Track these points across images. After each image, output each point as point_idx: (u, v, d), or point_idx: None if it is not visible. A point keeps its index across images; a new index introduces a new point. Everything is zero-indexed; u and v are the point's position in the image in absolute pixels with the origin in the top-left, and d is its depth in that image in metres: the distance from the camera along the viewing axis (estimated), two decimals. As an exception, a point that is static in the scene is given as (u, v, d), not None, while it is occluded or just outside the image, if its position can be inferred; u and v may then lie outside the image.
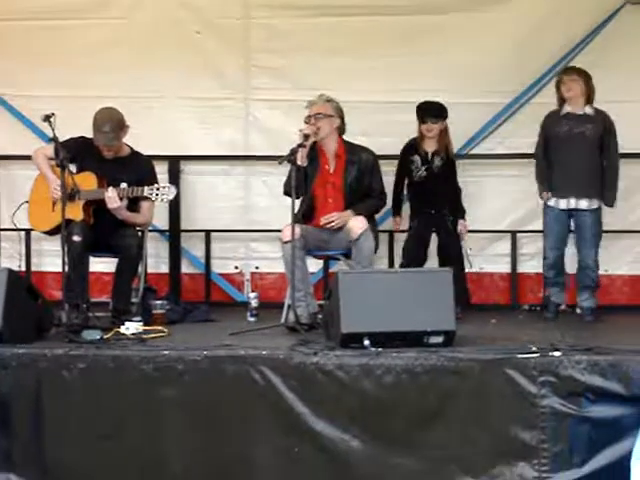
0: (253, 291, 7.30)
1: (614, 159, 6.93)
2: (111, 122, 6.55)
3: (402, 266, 7.17)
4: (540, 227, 7.26)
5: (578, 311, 7.04)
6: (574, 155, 6.89)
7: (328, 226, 6.63)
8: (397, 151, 7.39)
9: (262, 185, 7.90)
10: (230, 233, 7.93)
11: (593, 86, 6.88)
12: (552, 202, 6.98)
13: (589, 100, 6.90)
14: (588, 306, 6.97)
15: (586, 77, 6.86)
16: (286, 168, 6.57)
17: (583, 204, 6.90)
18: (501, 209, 7.70)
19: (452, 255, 7.11)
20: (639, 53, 7.37)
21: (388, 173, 7.14)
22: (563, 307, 7.12)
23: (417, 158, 7.20)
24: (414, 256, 7.13)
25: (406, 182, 7.28)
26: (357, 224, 6.52)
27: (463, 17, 7.58)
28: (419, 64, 7.57)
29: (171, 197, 6.52)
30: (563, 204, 6.94)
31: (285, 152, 6.49)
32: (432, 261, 7.20)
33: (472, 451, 5.32)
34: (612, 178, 6.91)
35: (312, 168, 6.67)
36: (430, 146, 7.21)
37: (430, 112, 7.15)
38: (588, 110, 6.91)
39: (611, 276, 7.50)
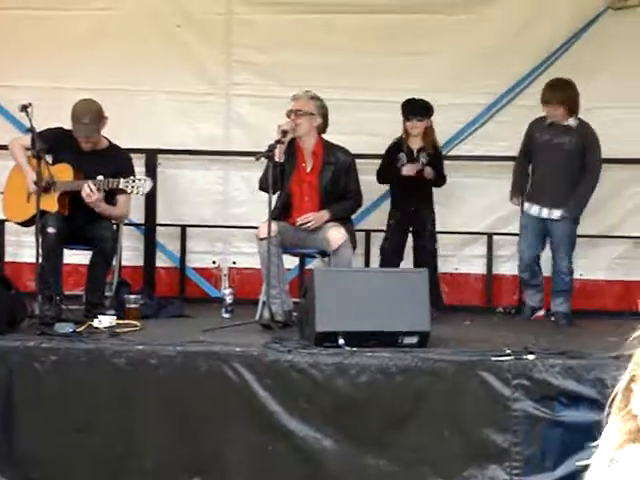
0: (229, 287, 7.27)
1: (589, 174, 6.90)
2: (90, 114, 6.51)
3: (381, 264, 7.17)
4: (516, 230, 7.26)
5: (552, 318, 7.03)
6: (551, 165, 6.91)
7: (304, 227, 6.60)
8: (380, 150, 7.37)
9: (241, 180, 7.87)
10: (207, 228, 7.89)
11: (576, 99, 6.85)
12: (526, 206, 7.01)
13: (573, 111, 6.86)
14: (562, 311, 6.97)
15: (568, 100, 6.78)
16: (265, 164, 6.54)
17: (556, 214, 6.90)
18: (478, 211, 7.69)
19: (425, 257, 7.10)
20: (619, 58, 7.38)
21: (368, 172, 7.12)
22: (541, 313, 7.11)
23: (402, 155, 7.20)
24: (392, 255, 7.13)
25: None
26: (336, 235, 6.48)
27: (447, 17, 7.58)
28: (402, 63, 7.55)
29: (147, 190, 6.48)
30: (535, 210, 6.95)
31: (264, 147, 6.47)
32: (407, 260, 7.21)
33: (445, 453, 5.33)
34: (579, 189, 6.89)
35: (289, 165, 6.64)
36: (415, 143, 7.21)
37: (414, 110, 7.14)
38: (572, 122, 6.89)
39: (586, 281, 7.50)
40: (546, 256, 7.12)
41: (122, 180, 6.42)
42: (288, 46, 7.67)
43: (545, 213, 6.92)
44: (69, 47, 7.73)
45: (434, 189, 7.27)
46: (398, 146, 7.23)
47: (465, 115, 7.64)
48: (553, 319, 7.00)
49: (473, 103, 7.62)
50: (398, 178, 7.16)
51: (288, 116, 6.64)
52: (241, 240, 7.85)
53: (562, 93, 6.78)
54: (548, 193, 6.89)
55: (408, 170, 7.10)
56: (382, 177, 7.27)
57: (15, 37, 7.76)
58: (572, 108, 6.82)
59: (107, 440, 5.47)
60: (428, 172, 7.09)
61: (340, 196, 6.73)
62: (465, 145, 7.69)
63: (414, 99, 7.18)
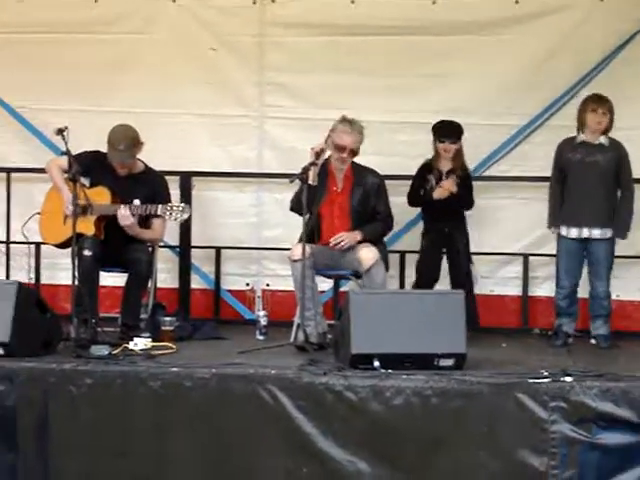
0: (263, 309, 7.27)
1: (628, 190, 6.89)
2: (126, 140, 6.56)
3: (415, 285, 7.16)
4: (552, 251, 7.22)
5: (592, 341, 6.96)
6: (587, 184, 6.85)
7: (337, 247, 6.60)
8: (409, 171, 7.37)
9: (274, 202, 7.87)
10: (241, 250, 7.90)
11: (614, 117, 6.85)
12: (564, 231, 6.93)
13: (606, 130, 6.86)
14: (602, 333, 6.90)
15: (613, 110, 6.81)
16: (298, 186, 6.55)
17: (596, 233, 6.85)
18: (514, 232, 7.64)
19: (461, 276, 7.09)
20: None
21: (399, 193, 7.12)
22: (571, 339, 7.05)
23: (431, 178, 7.19)
24: (427, 276, 7.12)
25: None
26: (368, 255, 6.49)
27: (478, 39, 7.56)
28: (434, 85, 7.56)
29: (185, 217, 6.51)
30: (574, 233, 6.89)
31: (298, 170, 6.48)
32: (442, 281, 7.18)
33: (481, 476, 5.30)
34: (623, 210, 6.87)
35: (320, 187, 6.65)
36: (445, 165, 7.20)
37: (448, 132, 7.14)
38: (603, 140, 6.87)
39: (623, 302, 7.42)
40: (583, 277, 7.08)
41: (160, 206, 6.46)
42: (320, 68, 7.69)
43: (585, 233, 6.85)
44: (104, 70, 7.79)
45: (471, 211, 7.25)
46: (427, 168, 7.23)
47: (498, 136, 7.62)
48: (594, 342, 6.93)
49: (507, 124, 7.60)
50: (429, 201, 7.17)
51: (341, 150, 6.64)
52: (275, 262, 7.85)
53: (609, 102, 6.81)
54: (586, 212, 6.83)
55: (439, 194, 7.09)
56: (412, 201, 7.27)
57: (50, 61, 7.82)
58: (610, 124, 6.81)
59: (141, 464, 5.48)
60: (450, 185, 7.07)
61: (370, 218, 6.74)
62: (499, 166, 7.66)
63: (447, 121, 7.17)
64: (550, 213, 7.02)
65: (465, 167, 7.26)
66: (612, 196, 6.89)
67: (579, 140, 6.91)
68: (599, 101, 6.83)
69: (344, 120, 6.71)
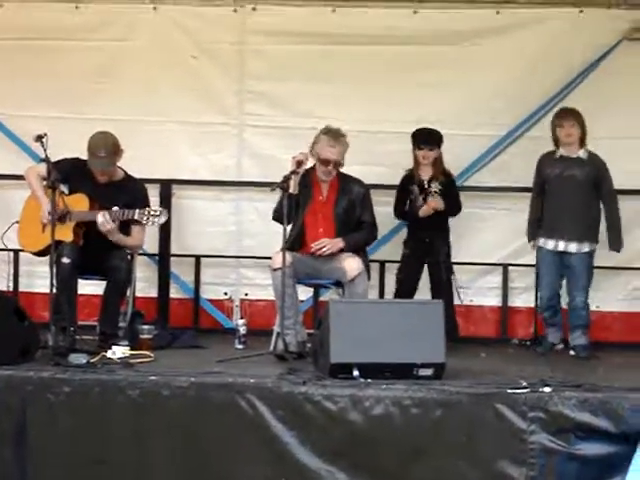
0: (242, 318, 7.26)
1: (611, 203, 6.93)
2: (106, 147, 6.53)
3: (395, 294, 7.15)
4: (532, 261, 7.23)
5: (571, 352, 6.99)
6: (565, 198, 6.90)
7: (318, 252, 6.59)
8: (392, 181, 7.40)
9: (254, 211, 7.86)
10: (220, 259, 7.87)
11: (586, 128, 6.90)
12: (541, 242, 6.98)
13: (582, 143, 6.90)
14: (580, 343, 6.94)
15: (582, 120, 6.86)
16: (279, 194, 6.53)
17: (572, 247, 6.90)
18: (492, 242, 7.67)
19: (441, 288, 7.09)
20: (635, 89, 7.37)
21: (382, 203, 7.13)
22: (559, 347, 7.08)
23: (415, 188, 7.21)
24: (406, 285, 7.14)
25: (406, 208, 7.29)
26: (353, 265, 6.49)
27: (459, 49, 7.59)
28: (415, 94, 7.56)
29: (162, 221, 6.50)
30: (551, 245, 6.94)
31: (277, 178, 6.48)
32: (422, 291, 7.19)
33: (460, 486, 5.28)
34: (611, 223, 6.91)
35: (305, 196, 6.65)
36: (426, 173, 7.23)
37: (426, 139, 7.16)
38: (582, 154, 6.92)
39: (603, 313, 7.45)
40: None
41: (137, 211, 6.44)
42: (300, 77, 7.69)
43: (562, 246, 6.90)
44: (83, 77, 7.77)
45: (450, 220, 7.26)
46: (409, 178, 7.24)
47: (478, 147, 7.63)
48: (573, 352, 6.96)
49: (486, 135, 7.63)
50: (410, 212, 7.19)
51: (326, 165, 6.64)
52: (254, 271, 7.83)
53: (576, 114, 6.87)
54: (564, 226, 6.88)
55: (424, 212, 7.11)
56: (398, 215, 7.30)
57: (29, 67, 7.79)
58: (583, 135, 6.86)
59: (119, 472, 5.45)
60: (436, 204, 7.10)
61: (355, 227, 6.73)
62: (478, 176, 7.67)
63: (425, 128, 7.20)
64: (528, 227, 7.06)
65: (448, 173, 7.28)
66: (591, 209, 6.93)
67: (558, 155, 6.96)
68: (564, 115, 6.90)
69: (328, 132, 6.71)
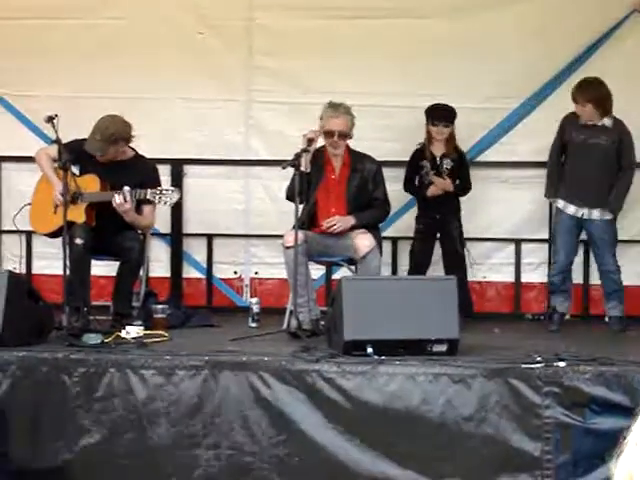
0: (254, 296, 7.25)
1: (626, 168, 6.87)
2: (103, 133, 6.45)
3: (410, 270, 7.15)
4: (544, 236, 7.20)
5: (607, 319, 6.98)
6: (588, 165, 6.84)
7: (330, 230, 6.58)
8: (400, 156, 7.36)
9: (262, 189, 7.84)
10: (229, 238, 7.86)
11: (607, 97, 6.77)
12: (561, 205, 6.91)
13: (606, 111, 6.80)
14: (616, 315, 6.89)
15: (596, 98, 6.72)
16: (288, 172, 6.50)
17: (595, 214, 6.85)
18: (505, 217, 7.63)
19: (454, 263, 7.09)
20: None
21: (393, 179, 7.10)
22: (567, 317, 7.06)
23: (426, 163, 7.19)
24: (419, 261, 7.14)
25: (416, 183, 7.26)
26: (365, 242, 6.46)
27: (468, 21, 7.51)
28: (424, 68, 7.51)
29: (174, 200, 6.48)
30: (571, 210, 6.87)
31: (285, 155, 6.46)
32: (435, 267, 7.17)
33: (475, 462, 5.29)
34: (619, 186, 6.84)
35: (317, 174, 6.62)
36: (438, 149, 7.20)
37: (441, 115, 7.13)
38: (606, 121, 6.83)
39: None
40: (576, 261, 7.06)
41: (150, 191, 6.42)
42: (309, 52, 7.63)
43: (583, 214, 6.85)
44: (89, 56, 7.71)
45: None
46: (421, 153, 7.22)
47: (489, 120, 7.58)
48: (608, 320, 6.94)
49: (497, 108, 7.57)
50: (421, 187, 7.18)
51: (330, 135, 6.60)
52: (263, 250, 7.82)
53: (589, 92, 6.73)
54: (586, 193, 6.82)
55: (432, 192, 7.10)
56: (408, 190, 7.28)
57: (34, 46, 7.73)
58: (602, 107, 6.75)
59: (134, 450, 5.44)
60: (448, 185, 7.08)
61: (367, 204, 6.71)
62: (489, 150, 7.63)
63: (439, 104, 7.15)
64: (549, 183, 6.98)
65: (459, 150, 7.25)
66: (613, 178, 6.87)
67: (582, 121, 6.85)
68: (574, 95, 6.77)
69: (329, 105, 6.68)
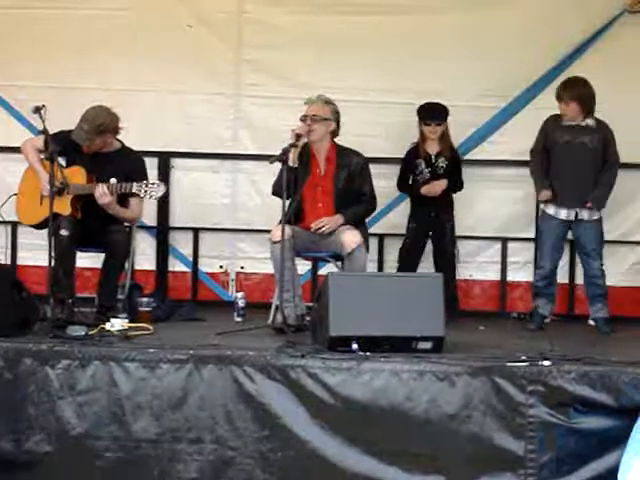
0: (240, 291, 7.24)
1: (611, 168, 6.88)
2: (90, 123, 6.44)
3: (399, 266, 7.16)
4: (531, 235, 7.21)
5: (591, 322, 7.00)
6: (575, 165, 6.84)
7: (319, 232, 6.57)
8: (388, 153, 7.37)
9: (249, 184, 7.83)
10: (216, 232, 7.85)
11: (591, 98, 6.80)
12: (552, 211, 6.91)
13: (589, 111, 6.82)
14: (602, 316, 6.91)
15: (581, 96, 6.75)
16: (275, 167, 6.49)
17: (585, 215, 6.86)
18: (491, 216, 7.65)
19: (445, 261, 7.09)
20: (635, 62, 7.33)
21: (379, 175, 7.08)
22: (548, 320, 7.06)
23: (421, 162, 7.19)
24: (409, 258, 7.13)
25: (410, 182, 7.27)
26: (351, 238, 6.45)
27: (460, 18, 7.52)
28: (414, 64, 7.51)
29: (160, 194, 6.46)
30: (563, 214, 6.88)
31: (273, 150, 6.46)
32: (425, 264, 7.18)
33: (458, 460, 5.27)
34: (604, 182, 6.85)
35: (303, 170, 6.61)
36: (433, 148, 7.21)
37: (433, 114, 7.14)
38: (589, 122, 6.86)
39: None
40: (562, 261, 7.07)
41: (135, 184, 6.40)
42: (300, 47, 7.63)
43: (573, 215, 6.85)
44: (78, 47, 7.69)
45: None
46: (415, 152, 7.21)
47: (477, 118, 7.60)
48: (592, 323, 6.95)
49: (485, 106, 7.59)
50: (415, 185, 7.18)
51: (303, 120, 6.61)
52: (249, 244, 7.82)
53: (573, 90, 6.76)
54: (576, 194, 6.82)
55: (427, 191, 7.11)
56: (402, 188, 7.29)
57: (25, 36, 7.73)
58: (586, 106, 6.77)
59: (115, 444, 5.42)
60: (439, 186, 7.08)
61: (354, 199, 6.69)
62: (477, 148, 7.64)
63: (431, 103, 7.16)
64: (537, 181, 6.96)
65: (453, 148, 7.26)
66: (599, 176, 6.87)
67: (566, 122, 6.88)
68: (558, 93, 6.79)
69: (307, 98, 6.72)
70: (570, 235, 7.04)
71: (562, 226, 6.89)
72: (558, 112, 6.89)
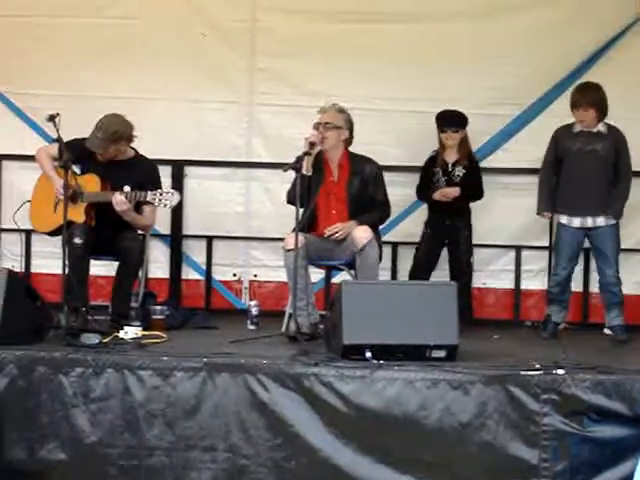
0: (253, 299, 7.24)
1: (624, 173, 6.84)
2: (105, 131, 6.47)
3: (412, 273, 7.17)
4: (545, 243, 7.19)
5: (607, 331, 6.97)
6: (588, 173, 6.81)
7: (332, 237, 6.56)
8: (402, 161, 7.38)
9: (263, 192, 7.84)
10: (229, 240, 7.85)
11: (606, 103, 6.76)
12: (564, 220, 6.88)
13: (604, 115, 6.80)
14: (618, 324, 6.87)
15: (598, 102, 6.72)
16: (289, 175, 6.49)
17: (600, 221, 6.82)
18: (505, 224, 7.63)
19: (460, 270, 7.08)
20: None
21: (392, 183, 7.06)
22: (562, 327, 7.03)
23: (438, 170, 7.20)
24: (423, 265, 7.15)
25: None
26: (362, 234, 6.45)
27: (473, 26, 7.52)
28: (427, 73, 7.52)
29: (174, 203, 6.47)
30: (577, 222, 6.84)
31: (286, 158, 6.47)
32: (439, 273, 7.19)
33: (472, 469, 5.26)
34: (619, 191, 6.82)
35: (316, 178, 6.61)
36: (451, 156, 7.21)
37: (450, 121, 7.14)
38: (601, 128, 6.82)
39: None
40: (577, 269, 7.05)
41: (150, 193, 6.42)
42: (312, 55, 7.64)
43: (589, 222, 6.82)
44: (92, 55, 7.73)
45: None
46: (434, 160, 7.22)
47: (491, 126, 7.60)
48: (609, 332, 6.92)
49: (500, 114, 7.59)
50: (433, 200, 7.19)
51: (316, 128, 6.61)
52: (263, 252, 7.83)
53: (592, 95, 6.72)
54: (589, 202, 6.79)
55: (439, 197, 7.12)
56: (420, 196, 7.31)
57: (37, 45, 7.76)
58: (602, 111, 6.74)
59: (131, 452, 5.41)
60: (452, 192, 7.08)
61: (368, 206, 6.69)
62: (492, 156, 7.63)
63: (449, 110, 7.16)
64: (541, 199, 6.95)
65: (472, 157, 7.25)
66: (612, 184, 6.83)
67: (576, 129, 6.86)
68: (575, 100, 6.75)
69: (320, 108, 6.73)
70: (586, 243, 7.01)
71: (577, 234, 6.86)
72: (570, 121, 6.87)
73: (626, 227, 7.11)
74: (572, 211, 6.85)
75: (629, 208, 6.97)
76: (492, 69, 7.51)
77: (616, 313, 6.88)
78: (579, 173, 6.84)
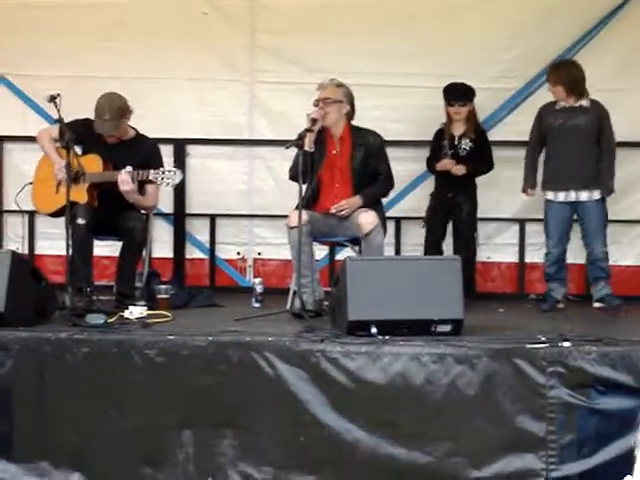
0: (257, 277, 7.25)
1: (608, 147, 6.83)
2: (111, 110, 6.47)
3: (425, 244, 7.19)
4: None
5: (597, 305, 6.95)
6: (570, 147, 6.80)
7: (339, 214, 6.55)
8: (404, 136, 7.35)
9: (265, 170, 7.83)
10: (232, 219, 7.85)
11: (577, 79, 6.77)
12: (550, 195, 6.89)
13: (581, 92, 6.80)
14: (606, 293, 6.88)
15: (566, 79, 6.75)
16: (291, 152, 6.48)
17: (584, 196, 6.81)
18: (509, 197, 7.60)
19: (462, 244, 7.07)
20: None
21: (397, 159, 7.06)
22: (562, 306, 6.99)
23: (445, 144, 7.19)
24: (432, 235, 7.17)
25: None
26: (368, 219, 6.44)
27: (473, 1, 7.48)
28: (428, 47, 7.49)
29: (177, 181, 6.46)
30: (562, 196, 6.84)
31: (289, 136, 6.45)
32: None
33: (479, 442, 5.27)
34: (606, 166, 6.80)
35: (319, 153, 6.58)
36: (458, 129, 7.20)
37: (457, 95, 7.12)
38: (583, 102, 6.82)
39: (619, 266, 7.40)
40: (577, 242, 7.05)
41: (152, 172, 6.41)
42: (313, 32, 7.60)
43: (573, 196, 6.82)
44: (92, 35, 7.69)
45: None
46: (441, 133, 7.21)
47: (494, 100, 7.56)
48: (599, 304, 6.91)
49: (502, 88, 7.56)
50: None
51: (316, 105, 6.59)
52: (266, 230, 7.82)
53: (558, 73, 6.77)
54: (572, 176, 6.78)
55: (439, 167, 7.12)
56: (430, 169, 7.29)
57: (37, 26, 7.72)
58: (572, 88, 6.75)
59: (138, 431, 5.43)
60: (457, 169, 7.07)
61: (371, 179, 6.67)
62: (494, 130, 7.58)
63: (456, 83, 7.15)
64: (526, 176, 6.97)
65: (480, 130, 7.23)
66: (596, 157, 6.82)
67: (559, 105, 6.86)
68: (548, 75, 6.82)
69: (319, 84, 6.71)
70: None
71: (564, 209, 6.84)
72: None
73: (628, 198, 7.09)
74: (556, 185, 6.85)
75: (632, 180, 6.96)
76: (493, 44, 7.48)
77: (602, 285, 6.90)
78: (562, 148, 6.83)
